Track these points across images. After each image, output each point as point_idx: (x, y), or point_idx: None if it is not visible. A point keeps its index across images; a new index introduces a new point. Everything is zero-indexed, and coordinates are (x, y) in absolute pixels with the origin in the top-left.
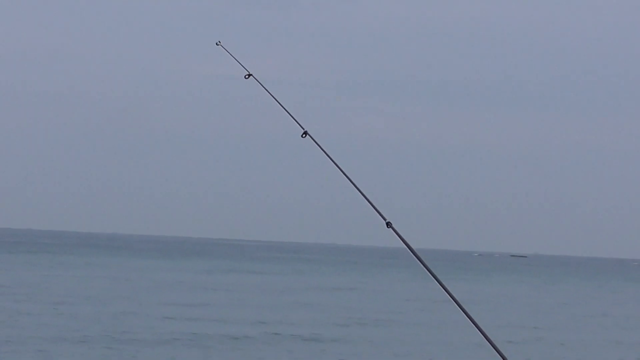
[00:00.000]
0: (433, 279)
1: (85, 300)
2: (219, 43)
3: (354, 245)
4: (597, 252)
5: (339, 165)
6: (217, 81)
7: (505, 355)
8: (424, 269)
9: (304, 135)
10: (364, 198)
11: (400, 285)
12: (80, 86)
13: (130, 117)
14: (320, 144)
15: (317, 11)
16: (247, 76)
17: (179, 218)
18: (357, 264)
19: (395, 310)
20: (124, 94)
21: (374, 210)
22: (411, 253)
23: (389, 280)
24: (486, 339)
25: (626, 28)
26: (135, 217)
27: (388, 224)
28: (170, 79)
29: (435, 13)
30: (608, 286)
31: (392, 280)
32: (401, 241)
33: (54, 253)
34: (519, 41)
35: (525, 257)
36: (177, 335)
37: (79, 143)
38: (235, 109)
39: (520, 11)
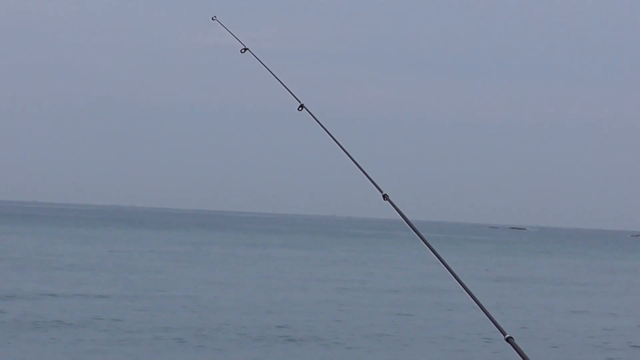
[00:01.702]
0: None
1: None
2: (214, 18)
3: (353, 217)
4: (592, 224)
5: (335, 138)
6: (214, 52)
7: (503, 327)
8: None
9: (300, 109)
10: (360, 171)
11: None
12: (72, 57)
13: (125, 89)
14: (316, 117)
15: None
16: (243, 50)
17: (174, 190)
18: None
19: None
20: (118, 66)
21: (371, 182)
22: (408, 225)
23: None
24: (481, 309)
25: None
26: (134, 189)
27: (385, 197)
28: (165, 51)
29: None
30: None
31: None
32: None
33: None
34: (519, 14)
35: (525, 229)
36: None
37: (71, 114)
38: (233, 81)
39: None
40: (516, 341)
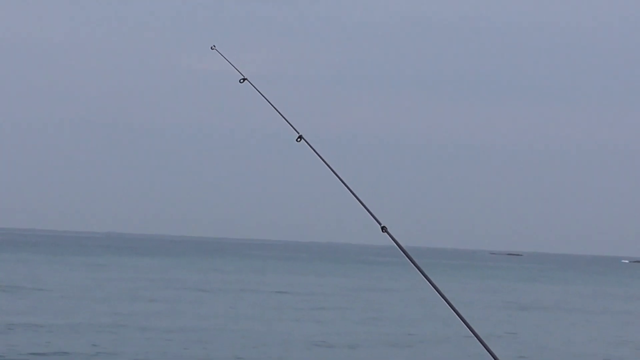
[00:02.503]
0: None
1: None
2: (213, 47)
3: (352, 244)
4: (589, 250)
5: (334, 170)
6: (213, 79)
7: (495, 353)
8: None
9: (299, 140)
10: (359, 203)
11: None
12: (73, 80)
13: (123, 113)
14: (315, 148)
15: (311, 5)
16: (241, 80)
17: (173, 217)
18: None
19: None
20: (117, 90)
21: (370, 214)
22: (406, 257)
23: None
24: (476, 337)
25: (625, 24)
26: (129, 216)
27: (383, 229)
28: (164, 76)
29: (429, 8)
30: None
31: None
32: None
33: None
34: (511, 36)
35: (521, 255)
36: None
37: (68, 138)
38: (231, 109)
39: (512, 6)
40: None
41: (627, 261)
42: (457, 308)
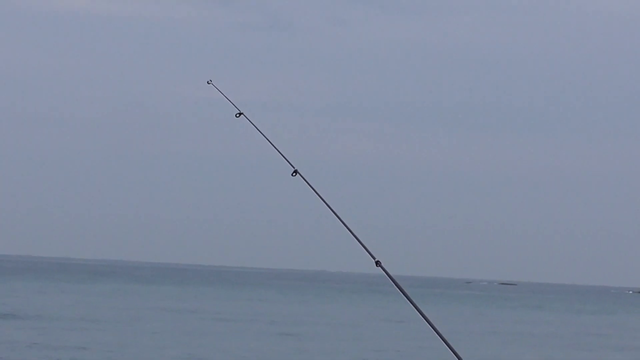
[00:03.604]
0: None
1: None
2: (210, 82)
3: (344, 272)
4: (584, 280)
5: (330, 205)
6: (209, 109)
7: None
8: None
9: (294, 174)
10: (354, 237)
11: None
12: (66, 108)
13: (117, 142)
14: (310, 183)
15: (309, 34)
16: (238, 115)
17: (167, 244)
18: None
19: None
20: (111, 118)
21: (364, 249)
22: (399, 291)
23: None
24: None
25: (616, 55)
26: (120, 243)
27: (377, 263)
28: (160, 106)
29: (425, 37)
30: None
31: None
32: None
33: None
34: (509, 65)
35: (515, 284)
36: None
37: (59, 167)
38: (228, 140)
39: (509, 36)
40: None
41: (630, 292)
42: (448, 340)
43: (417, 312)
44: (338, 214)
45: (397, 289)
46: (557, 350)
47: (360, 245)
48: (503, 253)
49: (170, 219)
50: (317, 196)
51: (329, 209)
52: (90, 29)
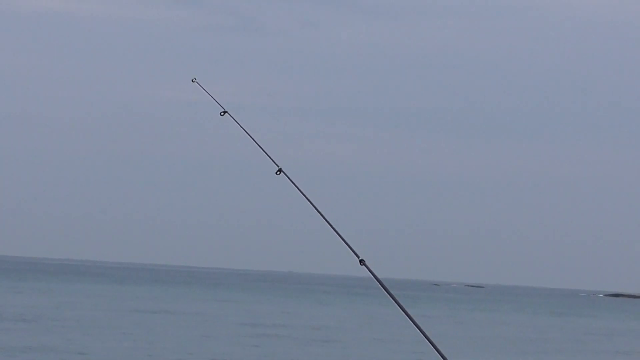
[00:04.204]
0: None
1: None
2: (194, 80)
3: (329, 275)
4: (552, 283)
5: (314, 204)
6: (194, 110)
7: None
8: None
9: (278, 173)
10: (338, 236)
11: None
12: (47, 109)
13: (98, 143)
14: (294, 181)
15: (279, 37)
16: (222, 113)
17: (151, 245)
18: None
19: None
20: (93, 119)
21: (348, 247)
22: (384, 290)
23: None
24: None
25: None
26: (106, 244)
27: (361, 262)
28: (142, 106)
29: (398, 39)
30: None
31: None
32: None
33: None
34: (486, 70)
35: (482, 287)
36: None
37: (43, 168)
38: (212, 140)
39: (487, 40)
40: None
41: (601, 295)
42: (433, 340)
43: (402, 312)
44: (322, 213)
45: (382, 288)
46: (544, 355)
47: (345, 244)
48: (468, 255)
49: (147, 219)
50: (302, 195)
51: (313, 208)
52: (59, 28)
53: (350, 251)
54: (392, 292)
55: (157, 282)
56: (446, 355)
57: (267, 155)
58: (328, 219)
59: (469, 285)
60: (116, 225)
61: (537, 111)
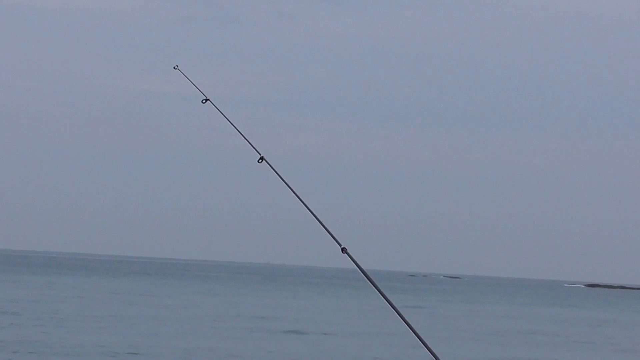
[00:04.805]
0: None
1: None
2: (176, 67)
3: (309, 266)
4: (530, 274)
5: (295, 192)
6: (173, 101)
7: None
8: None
9: (260, 161)
10: (319, 223)
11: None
12: (27, 102)
13: (76, 135)
14: (276, 169)
15: (255, 28)
16: (204, 101)
17: (134, 238)
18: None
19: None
20: (73, 111)
21: (330, 236)
22: (366, 278)
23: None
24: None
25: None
26: (90, 236)
27: (343, 250)
28: (120, 98)
29: (376, 32)
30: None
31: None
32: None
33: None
34: (460, 61)
35: (459, 278)
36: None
37: (26, 161)
38: (192, 130)
39: (457, 31)
40: None
41: (567, 285)
42: (417, 330)
43: (382, 297)
44: (304, 201)
45: (364, 276)
46: (543, 347)
47: (327, 233)
48: (446, 246)
49: (127, 211)
50: (284, 183)
51: (295, 198)
52: (36, 21)
53: (332, 240)
54: (374, 280)
55: (131, 274)
56: (431, 346)
57: (249, 143)
58: (310, 208)
59: (447, 277)
60: (96, 218)
61: (512, 102)
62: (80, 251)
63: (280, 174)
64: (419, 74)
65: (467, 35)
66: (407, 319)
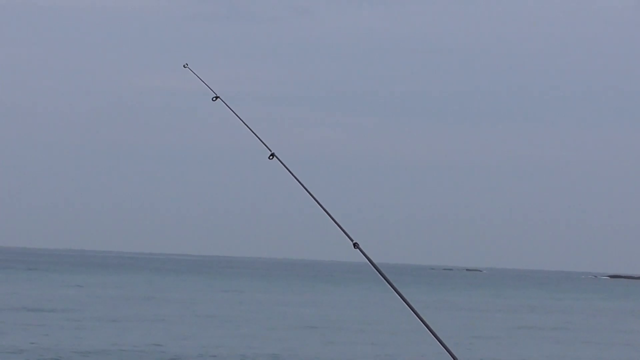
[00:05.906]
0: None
1: None
2: (186, 65)
3: (323, 261)
4: (549, 266)
5: (307, 188)
6: (184, 98)
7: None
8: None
9: (271, 157)
10: (331, 219)
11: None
12: (37, 101)
13: (88, 133)
14: (287, 166)
15: (273, 24)
16: (214, 98)
17: (146, 234)
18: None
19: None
20: (86, 109)
21: (342, 231)
22: (378, 273)
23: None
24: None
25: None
26: (101, 233)
27: (355, 245)
28: (133, 95)
29: (391, 26)
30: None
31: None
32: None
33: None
34: (476, 55)
35: (481, 271)
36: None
37: (33, 159)
38: (203, 127)
39: (476, 25)
40: None
41: (591, 276)
42: (429, 324)
43: (395, 292)
44: (315, 197)
45: (376, 271)
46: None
47: (338, 228)
48: (464, 240)
49: (140, 208)
50: (295, 179)
51: (306, 193)
52: (47, 20)
53: (344, 235)
54: (386, 275)
55: (156, 270)
56: (445, 342)
57: (260, 139)
58: (321, 203)
59: (469, 270)
60: (108, 215)
61: (529, 95)
62: (85, 248)
63: (291, 170)
64: (436, 68)
65: (484, 29)
66: (423, 317)
